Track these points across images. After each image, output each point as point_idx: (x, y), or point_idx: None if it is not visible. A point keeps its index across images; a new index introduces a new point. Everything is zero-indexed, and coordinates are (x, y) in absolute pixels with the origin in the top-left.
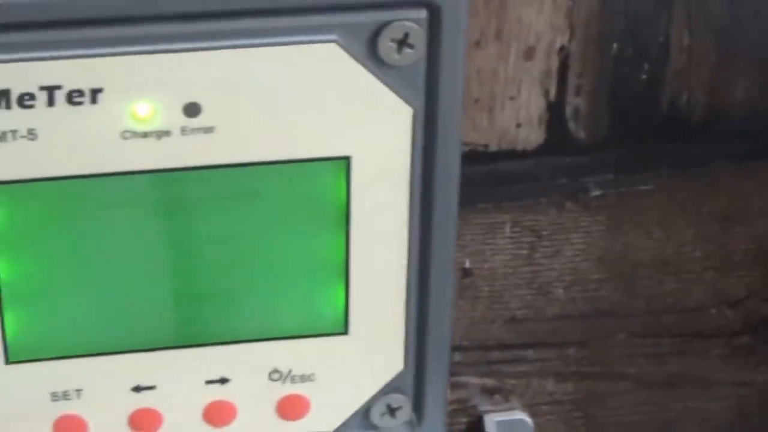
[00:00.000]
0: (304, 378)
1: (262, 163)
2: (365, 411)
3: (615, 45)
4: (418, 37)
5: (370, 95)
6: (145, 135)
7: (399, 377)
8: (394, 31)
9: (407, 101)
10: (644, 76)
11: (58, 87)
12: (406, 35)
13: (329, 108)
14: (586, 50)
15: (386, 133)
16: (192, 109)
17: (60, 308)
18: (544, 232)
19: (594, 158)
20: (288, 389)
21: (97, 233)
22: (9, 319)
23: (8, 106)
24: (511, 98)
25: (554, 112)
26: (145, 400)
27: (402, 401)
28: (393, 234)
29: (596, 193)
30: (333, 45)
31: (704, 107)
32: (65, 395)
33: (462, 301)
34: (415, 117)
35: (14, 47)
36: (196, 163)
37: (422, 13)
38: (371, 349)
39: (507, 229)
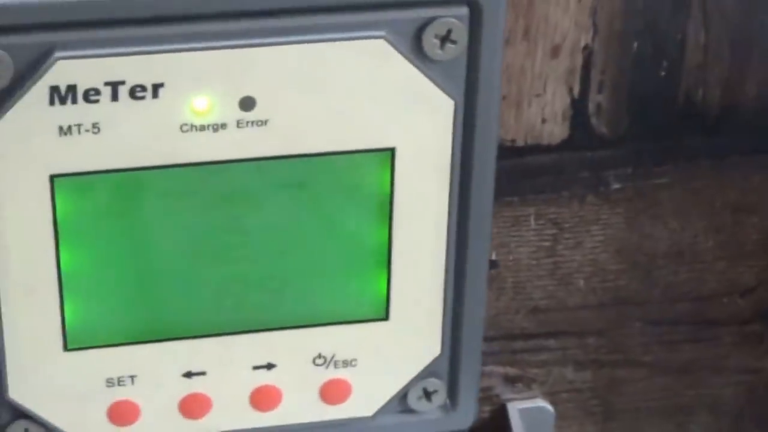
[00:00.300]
0: (347, 363)
1: (313, 154)
2: (403, 395)
3: (635, 43)
4: (460, 33)
5: (414, 89)
6: (202, 128)
7: (436, 362)
8: (438, 28)
9: (449, 94)
10: (663, 73)
11: (122, 82)
12: (449, 31)
13: (376, 101)
14: (608, 48)
15: (429, 125)
16: (247, 103)
17: (117, 296)
18: (566, 225)
19: (614, 152)
20: (331, 374)
21: (153, 223)
22: (69, 307)
23: (74, 101)
24: (537, 95)
25: (577, 108)
26: (195, 385)
27: (438, 385)
28: (433, 223)
29: (616, 186)
30: (381, 41)
31: (719, 103)
32: (120, 381)
33: (488, 291)
34: (456, 110)
35: (80, 44)
36: (250, 154)
37: (464, 11)
38: (410, 335)
39: (531, 221)
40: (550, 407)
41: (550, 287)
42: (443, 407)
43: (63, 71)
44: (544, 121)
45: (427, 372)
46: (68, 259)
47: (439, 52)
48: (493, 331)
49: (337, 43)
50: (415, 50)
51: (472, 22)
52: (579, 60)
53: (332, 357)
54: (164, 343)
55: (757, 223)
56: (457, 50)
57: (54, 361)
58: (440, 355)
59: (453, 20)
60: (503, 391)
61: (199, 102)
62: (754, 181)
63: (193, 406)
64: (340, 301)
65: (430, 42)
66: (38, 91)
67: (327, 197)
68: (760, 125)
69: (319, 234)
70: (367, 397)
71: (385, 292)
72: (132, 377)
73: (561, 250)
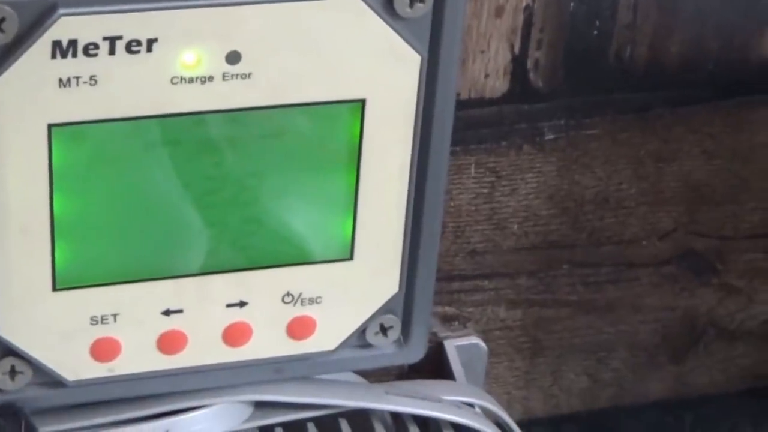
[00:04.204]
0: (313, 300)
1: (291, 105)
2: (362, 330)
3: (572, 4)
4: None
5: (385, 44)
6: (191, 80)
7: (393, 299)
8: None
9: (416, 50)
10: (595, 32)
11: (119, 37)
12: None
13: (349, 56)
14: (547, 8)
15: (397, 78)
16: (233, 57)
17: (103, 239)
18: (504, 173)
19: (549, 105)
20: (298, 311)
21: (141, 170)
22: (59, 249)
23: (75, 55)
24: (482, 51)
25: (517, 64)
26: (173, 322)
27: (394, 321)
28: (397, 170)
29: (550, 136)
30: (357, 0)
31: (645, 59)
32: (103, 319)
33: None
34: (422, 64)
35: (82, 2)
36: (235, 105)
37: None
38: (372, 274)
39: (472, 170)
40: (483, 344)
41: (486, 231)
42: (397, 342)
43: (65, 27)
44: (486, 75)
45: (385, 309)
46: (61, 203)
47: (408, 10)
48: None
49: (316, 2)
50: (387, 8)
51: None
52: (520, 19)
53: (299, 295)
54: (146, 283)
55: (676, 171)
56: (424, 8)
57: (43, 301)
58: (398, 293)
59: None
60: (440, 330)
61: (189, 56)
62: (675, 132)
63: (170, 343)
64: (308, 242)
65: (400, 1)
66: (41, 46)
67: (302, 146)
68: (682, 81)
69: (293, 180)
70: (330, 332)
71: (350, 233)
72: (114, 315)
73: (498, 196)
